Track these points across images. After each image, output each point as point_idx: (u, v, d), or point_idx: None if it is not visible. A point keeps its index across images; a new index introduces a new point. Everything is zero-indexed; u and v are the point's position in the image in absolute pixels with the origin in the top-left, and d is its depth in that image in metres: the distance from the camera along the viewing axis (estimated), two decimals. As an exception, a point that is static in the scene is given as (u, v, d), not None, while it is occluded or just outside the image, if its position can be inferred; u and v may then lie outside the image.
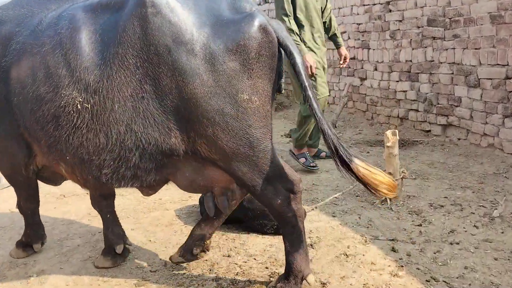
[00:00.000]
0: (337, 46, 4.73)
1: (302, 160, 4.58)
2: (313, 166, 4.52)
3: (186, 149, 2.03)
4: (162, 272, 2.84)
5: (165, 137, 1.98)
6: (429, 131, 5.23)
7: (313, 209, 3.60)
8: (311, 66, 4.15)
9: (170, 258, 2.88)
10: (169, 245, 3.19)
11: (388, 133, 3.41)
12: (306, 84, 2.01)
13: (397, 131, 3.42)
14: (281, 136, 6.04)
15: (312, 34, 4.42)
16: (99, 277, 2.82)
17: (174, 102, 1.92)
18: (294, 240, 2.31)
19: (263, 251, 2.99)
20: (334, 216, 3.43)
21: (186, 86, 1.87)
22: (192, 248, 2.79)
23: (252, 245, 3.08)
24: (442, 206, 3.40)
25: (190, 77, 1.86)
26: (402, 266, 2.64)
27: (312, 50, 4.39)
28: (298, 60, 2.03)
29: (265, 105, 1.97)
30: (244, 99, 1.88)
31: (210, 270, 2.82)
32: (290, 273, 2.34)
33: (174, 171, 2.13)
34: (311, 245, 2.99)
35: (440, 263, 2.64)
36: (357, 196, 3.85)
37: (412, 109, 5.44)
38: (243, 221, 3.27)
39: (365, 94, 6.25)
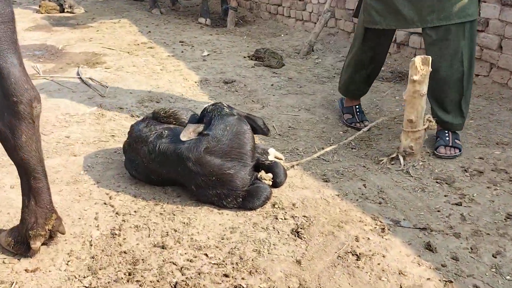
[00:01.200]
0: None
1: (347, 116, 3.17)
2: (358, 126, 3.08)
3: None
4: (39, 273, 1.71)
5: None
6: (436, 63, 4.18)
7: (293, 167, 2.51)
8: None
9: None
10: (68, 218, 2.02)
11: (417, 60, 2.29)
12: None
13: (430, 57, 2.30)
14: (244, 57, 4.77)
15: None
16: None
17: None
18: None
19: (220, 239, 1.90)
20: (326, 181, 2.37)
21: None
22: (27, 237, 1.78)
23: (203, 228, 1.97)
24: (480, 172, 2.42)
25: None
26: (451, 282, 1.65)
27: None
28: None
29: None
30: None
31: (129, 275, 1.70)
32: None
33: None
34: (297, 232, 1.93)
35: (508, 278, 1.68)
36: (352, 148, 2.79)
37: (415, 32, 4.32)
38: (192, 190, 2.13)
39: (352, 9, 5.04)
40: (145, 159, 2.19)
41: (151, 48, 5.10)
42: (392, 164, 2.54)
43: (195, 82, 3.98)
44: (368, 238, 1.89)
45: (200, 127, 2.14)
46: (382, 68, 4.44)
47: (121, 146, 2.77)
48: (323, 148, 2.77)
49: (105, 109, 3.33)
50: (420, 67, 2.29)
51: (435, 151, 2.61)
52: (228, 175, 2.03)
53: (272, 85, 3.90)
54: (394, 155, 2.56)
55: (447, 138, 2.64)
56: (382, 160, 2.57)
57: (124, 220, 2.03)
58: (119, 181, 2.36)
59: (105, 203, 2.16)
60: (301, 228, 1.95)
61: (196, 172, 2.03)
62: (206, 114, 2.22)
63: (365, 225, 1.98)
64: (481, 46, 3.71)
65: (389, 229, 1.95)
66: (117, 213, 2.08)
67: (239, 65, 4.46)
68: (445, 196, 2.20)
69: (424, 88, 2.34)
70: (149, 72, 4.19)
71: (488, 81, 3.73)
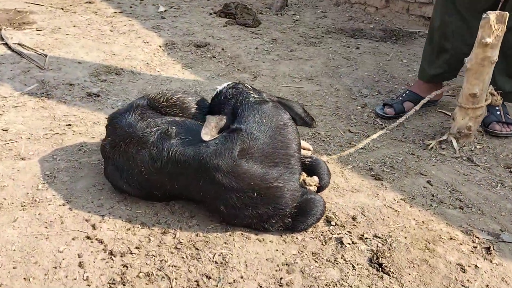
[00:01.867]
0: None
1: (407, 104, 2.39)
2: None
3: None
4: None
5: None
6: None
7: (328, 162, 1.96)
8: None
9: None
10: (36, 269, 1.35)
11: (491, 16, 1.78)
12: None
13: (506, 14, 1.80)
14: (210, 14, 4.02)
15: None
16: None
17: None
18: None
19: (277, 286, 1.33)
20: (378, 179, 1.85)
21: None
22: None
23: (246, 268, 1.39)
24: (551, 155, 2.03)
25: None
26: None
27: None
28: None
29: None
30: None
31: None
32: None
33: None
34: (379, 264, 1.40)
35: None
36: (383, 129, 2.28)
37: (408, -16, 3.83)
38: (220, 211, 1.50)
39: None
40: (145, 169, 1.52)
41: (89, 2, 4.16)
42: (443, 148, 2.08)
43: (160, 47, 3.22)
44: (476, 266, 1.41)
45: (223, 120, 1.50)
46: (371, 26, 3.95)
47: (85, 140, 2.06)
48: (349, 131, 2.25)
49: (50, 87, 2.53)
50: (495, 26, 1.79)
51: (487, 128, 2.18)
52: (275, 189, 1.43)
53: (256, 48, 3.25)
54: (444, 138, 2.10)
55: (498, 113, 2.22)
56: (430, 144, 2.10)
57: (125, 265, 1.38)
58: (100, 198, 1.67)
59: (88, 237, 1.49)
60: (381, 257, 1.43)
61: (229, 187, 1.41)
62: (224, 100, 1.58)
63: (461, 244, 1.50)
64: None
65: (493, 248, 1.48)
66: (111, 253, 1.42)
67: (208, 24, 3.72)
68: (531, 191, 1.79)
69: (496, 53, 1.86)
70: (96, 34, 3.34)
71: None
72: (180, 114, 1.63)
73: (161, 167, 1.48)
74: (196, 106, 1.66)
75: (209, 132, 1.44)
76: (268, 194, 1.43)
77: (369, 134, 2.23)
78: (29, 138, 2.04)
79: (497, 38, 1.81)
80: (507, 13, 1.80)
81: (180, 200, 1.65)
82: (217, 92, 1.62)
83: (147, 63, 2.95)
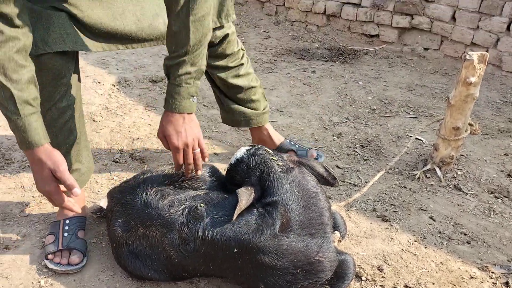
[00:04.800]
0: None
1: None
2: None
3: None
4: None
5: None
6: (376, 36, 3.93)
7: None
8: None
9: None
10: None
11: (474, 56, 1.91)
12: None
13: (487, 54, 1.94)
14: (154, 42, 3.86)
15: None
16: None
17: None
18: None
19: None
20: (384, 220, 1.92)
21: None
22: None
23: None
24: (522, 174, 2.24)
25: None
26: None
27: None
28: None
29: None
30: None
31: None
32: None
33: None
34: (421, 317, 1.46)
35: None
36: (365, 160, 2.37)
37: (349, 2, 3.98)
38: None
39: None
40: (175, 253, 1.43)
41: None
42: (428, 177, 2.21)
43: (113, 85, 3.03)
44: (505, 306, 1.52)
45: (253, 194, 1.45)
46: (316, 45, 4.05)
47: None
48: (337, 166, 2.30)
49: (6, 149, 2.27)
50: (478, 65, 1.93)
51: None
52: (317, 263, 1.42)
53: (216, 80, 3.18)
54: (428, 167, 2.22)
55: None
56: (416, 174, 2.21)
57: None
58: (116, 286, 1.54)
59: None
60: (421, 310, 1.48)
61: (271, 265, 1.37)
62: (248, 170, 1.52)
63: (482, 282, 1.61)
64: (432, 18, 3.55)
65: (510, 282, 1.60)
66: None
67: (156, 53, 3.57)
68: (522, 216, 1.96)
69: (478, 90, 2.00)
70: (38, 76, 3.04)
71: (439, 55, 3.62)
72: (203, 187, 1.55)
73: (196, 249, 1.40)
74: (211, 177, 1.59)
75: (238, 211, 1.37)
76: (310, 270, 1.41)
77: (356, 168, 2.30)
78: (4, 220, 1.81)
79: (479, 77, 1.95)
80: (487, 54, 1.95)
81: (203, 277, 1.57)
82: (236, 159, 1.56)
83: (106, 107, 2.76)
